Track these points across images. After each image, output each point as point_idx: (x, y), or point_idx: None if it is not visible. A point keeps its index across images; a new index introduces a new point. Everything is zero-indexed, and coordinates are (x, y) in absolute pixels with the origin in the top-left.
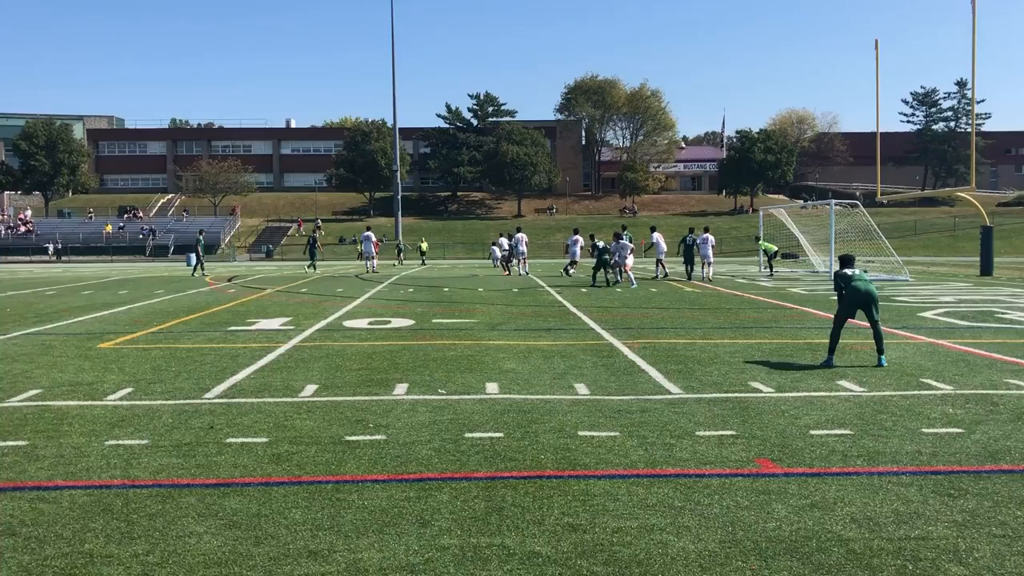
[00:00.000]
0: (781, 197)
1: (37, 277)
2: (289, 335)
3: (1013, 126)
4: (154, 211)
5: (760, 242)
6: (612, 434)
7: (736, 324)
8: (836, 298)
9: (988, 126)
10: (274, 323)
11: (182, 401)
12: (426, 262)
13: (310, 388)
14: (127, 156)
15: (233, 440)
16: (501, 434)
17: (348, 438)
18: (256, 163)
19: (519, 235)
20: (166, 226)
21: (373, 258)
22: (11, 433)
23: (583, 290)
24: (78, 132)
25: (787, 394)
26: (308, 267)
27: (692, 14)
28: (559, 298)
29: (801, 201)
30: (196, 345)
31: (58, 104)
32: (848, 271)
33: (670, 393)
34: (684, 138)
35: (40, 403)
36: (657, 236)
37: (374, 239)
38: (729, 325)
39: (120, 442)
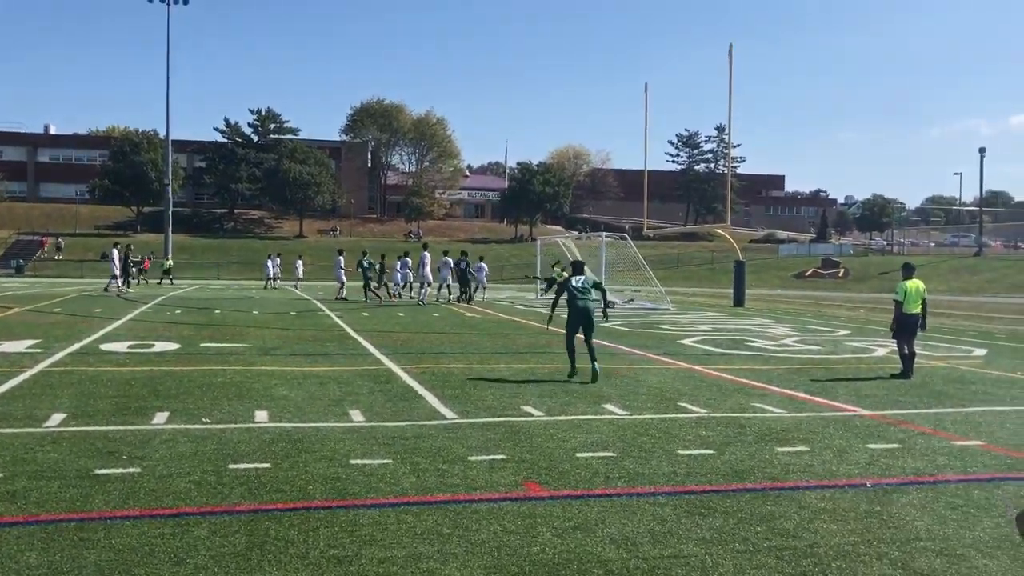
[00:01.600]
0: (558, 228)
1: None
2: (36, 358)
3: (765, 170)
4: None
5: (554, 269)
6: (385, 461)
7: (512, 349)
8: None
9: (743, 169)
10: (19, 345)
11: None
12: (173, 281)
13: (57, 417)
14: None
15: None
16: (268, 464)
17: (97, 471)
18: (8, 170)
19: (481, 263)
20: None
21: (117, 277)
22: None
23: (364, 314)
24: None
25: (557, 417)
26: (122, 286)
27: (477, 48)
28: (339, 321)
29: (576, 232)
30: None
31: None
32: (575, 282)
33: (446, 418)
34: (469, 167)
35: None
36: (426, 256)
37: (115, 256)
38: (505, 350)
39: None
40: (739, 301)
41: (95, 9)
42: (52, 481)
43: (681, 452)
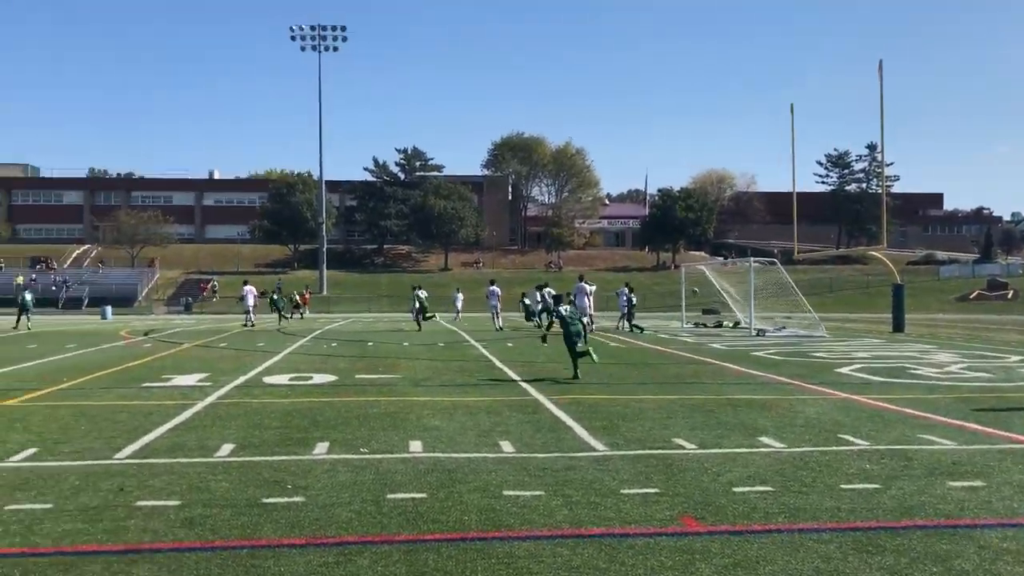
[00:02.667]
0: (702, 254)
1: None
2: (206, 391)
3: (920, 188)
4: (68, 262)
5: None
6: (537, 493)
7: (659, 379)
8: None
9: (898, 187)
10: (191, 379)
11: (90, 462)
12: (303, 316)
13: (226, 447)
14: (42, 206)
15: (143, 503)
16: (424, 494)
17: (265, 500)
18: (177, 214)
19: (493, 287)
20: (81, 278)
21: (250, 312)
22: None
23: (509, 344)
24: None
25: (710, 450)
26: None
27: (615, 76)
28: (485, 352)
29: (721, 258)
30: (108, 402)
31: None
32: (564, 311)
33: (595, 450)
34: (608, 195)
35: None
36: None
37: (254, 292)
38: (652, 380)
39: (21, 507)
40: (899, 326)
41: (252, 62)
42: (225, 509)
43: (844, 486)
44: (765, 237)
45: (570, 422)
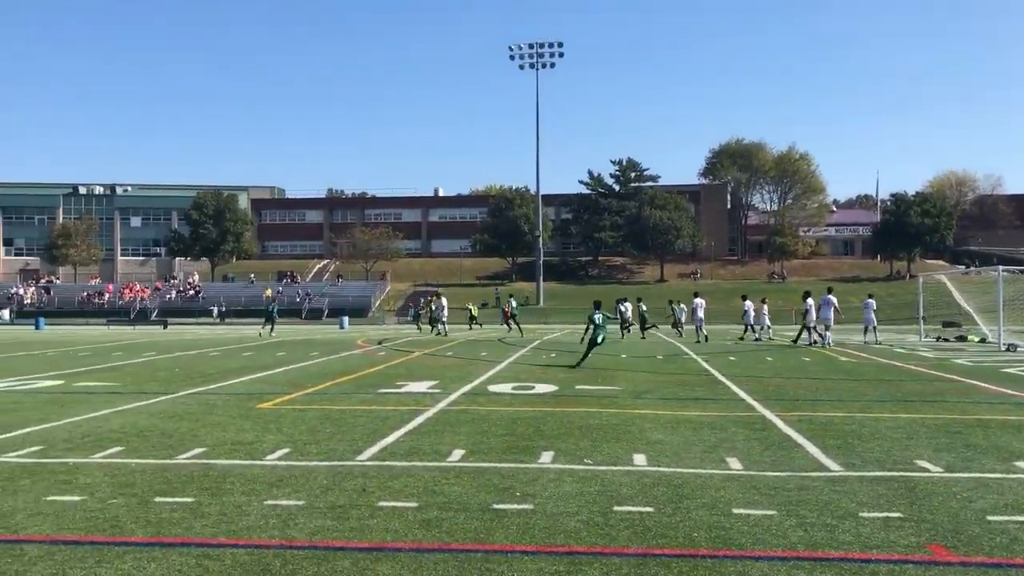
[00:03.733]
0: (941, 262)
1: (203, 338)
2: (436, 398)
3: None
4: (310, 276)
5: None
6: (768, 512)
7: (897, 397)
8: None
9: None
10: (422, 386)
11: (336, 463)
12: (472, 327)
13: (457, 453)
14: (287, 224)
15: (384, 504)
16: (651, 508)
17: (496, 506)
18: (406, 230)
19: (697, 300)
20: (321, 290)
21: (444, 322)
22: (179, 490)
23: (731, 358)
24: (243, 202)
25: (958, 474)
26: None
27: (839, 75)
28: (706, 366)
29: (963, 267)
30: (348, 407)
31: (225, 176)
32: (597, 316)
33: (829, 470)
34: (835, 201)
35: (204, 461)
36: (810, 302)
37: (444, 304)
38: (890, 398)
39: (278, 502)
40: None
41: (472, 83)
42: (458, 513)
43: None
44: (1013, 243)
45: (801, 440)
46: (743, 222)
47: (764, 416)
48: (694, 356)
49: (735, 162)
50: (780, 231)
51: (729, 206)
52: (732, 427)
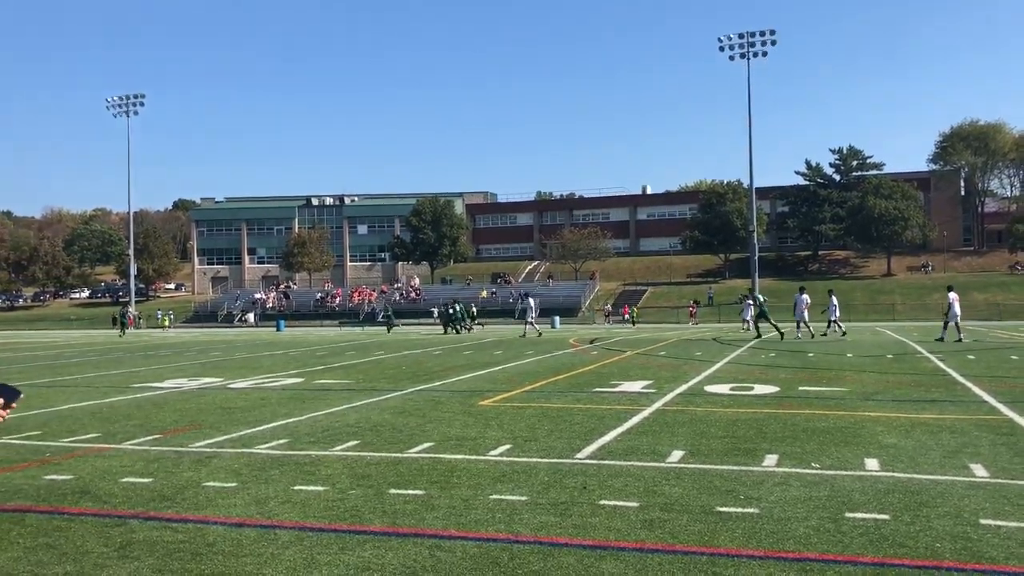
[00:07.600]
0: None
1: (426, 339)
2: (651, 398)
3: None
4: (522, 277)
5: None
6: (1023, 525)
7: None
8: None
9: None
10: (636, 385)
11: (555, 460)
12: (471, 329)
13: (676, 454)
14: (499, 227)
15: (605, 502)
16: (887, 516)
17: (719, 509)
18: (614, 229)
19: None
20: (532, 291)
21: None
22: (411, 483)
23: (970, 356)
24: (458, 207)
25: None
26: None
27: None
28: (941, 365)
29: None
30: (564, 405)
31: (442, 183)
32: (760, 297)
33: None
34: None
35: (433, 455)
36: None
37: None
38: None
39: (503, 497)
40: None
41: (678, 75)
42: (681, 514)
43: None
44: None
45: None
46: (979, 210)
47: (1012, 420)
48: (926, 354)
49: (969, 145)
50: (1022, 218)
51: (963, 193)
52: (975, 431)
